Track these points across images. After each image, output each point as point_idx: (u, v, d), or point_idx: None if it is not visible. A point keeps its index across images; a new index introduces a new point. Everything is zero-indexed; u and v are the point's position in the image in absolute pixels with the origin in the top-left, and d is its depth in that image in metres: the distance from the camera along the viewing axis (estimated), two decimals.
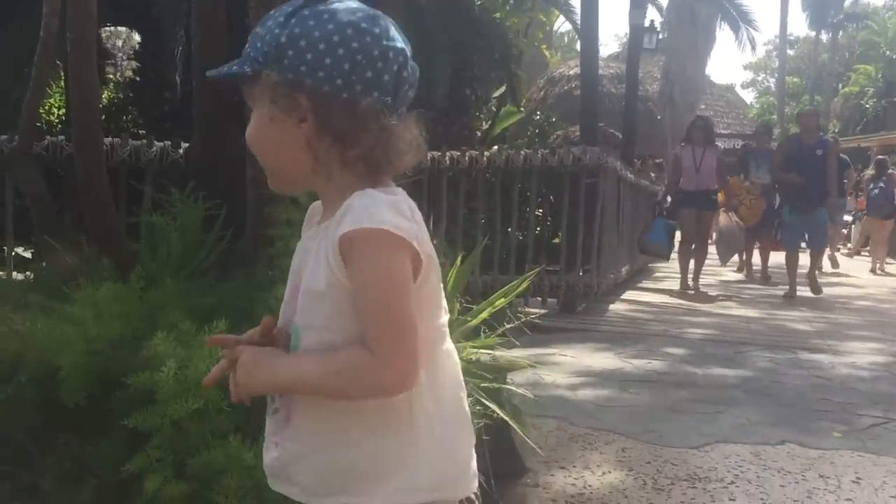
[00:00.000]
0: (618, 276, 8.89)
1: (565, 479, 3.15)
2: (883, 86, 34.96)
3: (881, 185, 13.21)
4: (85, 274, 2.73)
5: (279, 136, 1.15)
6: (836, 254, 13.12)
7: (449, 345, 1.23)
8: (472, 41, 10.37)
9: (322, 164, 1.15)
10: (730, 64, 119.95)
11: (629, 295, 8.73)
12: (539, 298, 7.12)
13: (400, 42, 1.15)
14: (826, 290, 9.04)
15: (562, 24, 25.21)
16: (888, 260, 13.62)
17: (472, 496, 1.25)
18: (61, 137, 5.36)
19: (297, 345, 1.16)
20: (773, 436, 3.75)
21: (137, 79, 11.43)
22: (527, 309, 6.34)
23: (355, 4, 1.15)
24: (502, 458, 2.96)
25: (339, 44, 1.11)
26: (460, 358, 2.64)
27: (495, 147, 8.08)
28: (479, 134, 12.50)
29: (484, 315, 2.94)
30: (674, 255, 9.52)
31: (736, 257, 10.65)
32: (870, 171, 14.36)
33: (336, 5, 1.14)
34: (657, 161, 14.27)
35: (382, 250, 1.07)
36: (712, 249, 9.73)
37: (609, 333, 6.32)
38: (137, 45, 12.59)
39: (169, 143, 5.50)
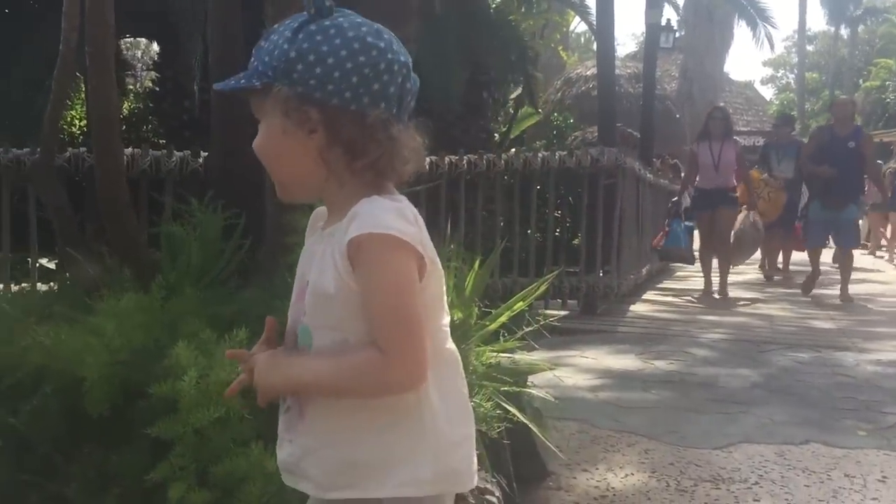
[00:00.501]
0: (638, 277, 8.83)
1: (588, 481, 3.15)
2: None
3: None
4: (107, 284, 2.76)
5: (293, 148, 1.18)
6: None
7: (451, 344, 1.26)
8: (488, 44, 10.39)
9: (334, 174, 1.19)
10: (748, 61, 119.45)
11: (650, 295, 8.68)
12: (559, 300, 7.10)
13: (403, 55, 1.19)
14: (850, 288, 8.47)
15: (578, 25, 25.26)
16: None
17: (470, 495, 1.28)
18: (83, 149, 5.40)
19: (309, 343, 1.20)
20: (798, 435, 3.72)
21: (157, 89, 11.52)
22: (547, 311, 6.33)
23: (359, 19, 1.19)
24: (524, 462, 2.96)
25: (347, 58, 1.14)
26: (480, 362, 2.67)
27: (513, 150, 8.07)
28: (496, 137, 12.52)
29: (503, 319, 2.94)
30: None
31: (759, 254, 10.28)
32: (892, 165, 14.19)
33: (341, 20, 1.17)
34: (672, 161, 13.78)
35: (389, 254, 1.11)
36: None
37: (630, 334, 6.30)
38: (156, 56, 12.70)
39: (188, 152, 5.54)
